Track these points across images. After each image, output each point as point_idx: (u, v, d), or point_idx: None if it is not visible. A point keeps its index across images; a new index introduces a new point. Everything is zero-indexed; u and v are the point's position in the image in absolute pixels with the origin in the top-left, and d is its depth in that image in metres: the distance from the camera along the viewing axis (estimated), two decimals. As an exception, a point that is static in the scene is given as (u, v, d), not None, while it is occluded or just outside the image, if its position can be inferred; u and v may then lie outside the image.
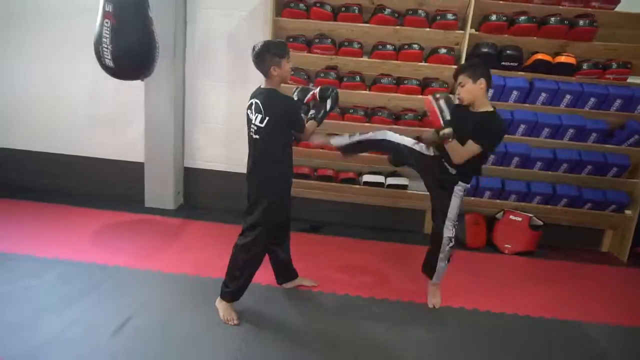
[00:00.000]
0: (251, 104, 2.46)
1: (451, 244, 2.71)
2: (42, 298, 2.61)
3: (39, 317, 2.43)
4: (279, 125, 2.42)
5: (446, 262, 2.76)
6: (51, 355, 2.15)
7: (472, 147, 2.47)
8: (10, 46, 4.20)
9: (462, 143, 2.49)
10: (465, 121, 2.51)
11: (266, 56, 2.36)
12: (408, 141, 2.79)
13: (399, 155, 2.91)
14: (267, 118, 2.38)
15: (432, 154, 2.73)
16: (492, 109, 2.54)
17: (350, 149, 2.97)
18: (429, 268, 2.84)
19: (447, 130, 2.46)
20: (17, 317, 2.42)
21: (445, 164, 2.63)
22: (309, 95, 2.68)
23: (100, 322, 2.44)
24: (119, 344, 2.28)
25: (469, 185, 2.67)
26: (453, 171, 2.61)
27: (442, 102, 2.50)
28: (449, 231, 2.68)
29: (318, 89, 2.65)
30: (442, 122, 2.47)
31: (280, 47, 2.40)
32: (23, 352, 2.16)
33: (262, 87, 2.48)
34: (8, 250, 3.12)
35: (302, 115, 2.62)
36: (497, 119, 2.51)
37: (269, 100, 2.40)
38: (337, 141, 2.91)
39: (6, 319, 2.39)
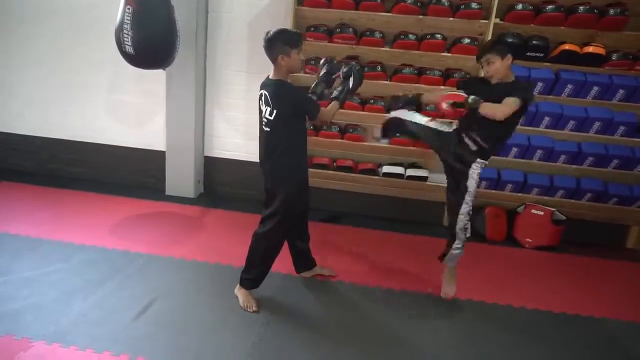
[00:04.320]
0: (261, 95, 2.44)
1: (467, 233, 2.69)
2: (69, 282, 2.69)
3: (66, 300, 2.51)
4: (288, 117, 2.39)
5: (461, 248, 2.73)
6: (76, 337, 2.22)
7: (510, 101, 2.42)
8: (34, 37, 4.28)
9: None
10: (494, 92, 2.54)
11: (276, 44, 2.33)
12: (421, 119, 2.79)
13: (410, 132, 2.92)
14: (275, 111, 2.37)
15: (450, 129, 2.72)
16: (514, 78, 2.60)
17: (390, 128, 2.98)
18: (443, 254, 2.83)
19: (472, 96, 2.46)
20: (45, 299, 2.50)
21: (466, 139, 2.62)
22: (338, 72, 2.62)
23: (123, 306, 2.51)
24: (141, 328, 2.33)
25: (487, 162, 2.63)
26: (474, 147, 2.60)
27: (451, 91, 2.56)
28: (464, 217, 2.65)
29: (342, 69, 2.60)
30: (463, 94, 2.50)
31: (292, 37, 2.36)
32: (50, 333, 2.23)
33: (270, 77, 2.45)
34: (36, 235, 3.21)
35: (325, 92, 2.59)
36: (523, 81, 2.63)
37: (276, 92, 2.38)
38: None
39: (35, 301, 2.47)
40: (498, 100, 2.46)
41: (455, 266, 2.84)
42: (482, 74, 2.67)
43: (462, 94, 2.51)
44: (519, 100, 2.42)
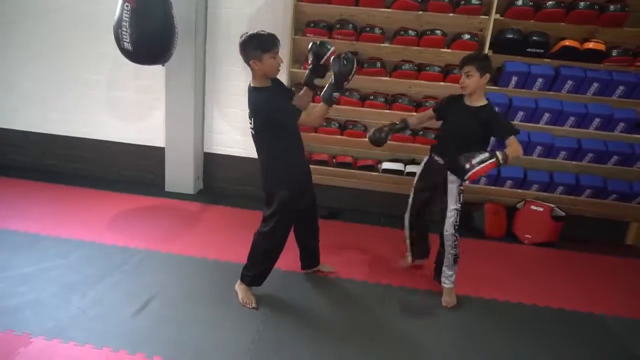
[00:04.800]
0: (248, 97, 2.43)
1: (455, 246, 2.73)
2: (68, 277, 2.69)
3: (65, 296, 2.51)
4: (265, 125, 2.37)
5: (453, 264, 2.75)
6: (75, 332, 2.22)
7: (514, 140, 2.51)
8: (33, 32, 4.26)
9: (470, 136, 2.60)
10: (466, 115, 2.63)
11: (247, 48, 2.26)
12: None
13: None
14: (253, 118, 2.37)
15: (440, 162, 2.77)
16: (486, 102, 2.66)
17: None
18: (438, 273, 2.88)
19: (501, 155, 2.40)
20: (44, 295, 2.50)
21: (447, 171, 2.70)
22: (329, 52, 2.37)
23: (122, 301, 2.51)
24: (140, 324, 2.34)
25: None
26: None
27: (473, 161, 2.43)
28: (451, 228, 2.71)
29: (331, 59, 2.37)
30: (492, 160, 2.40)
31: (264, 41, 2.26)
32: (50, 329, 2.23)
33: (250, 84, 2.40)
34: (35, 231, 3.20)
35: (316, 82, 2.44)
36: (495, 111, 2.67)
37: (252, 102, 2.37)
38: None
39: (34, 297, 2.47)
40: (479, 126, 2.57)
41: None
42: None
43: (491, 160, 2.40)
44: (515, 136, 2.53)
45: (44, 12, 4.19)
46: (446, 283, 2.78)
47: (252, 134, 2.45)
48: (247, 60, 2.31)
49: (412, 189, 2.99)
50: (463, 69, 2.60)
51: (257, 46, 2.26)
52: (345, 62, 2.30)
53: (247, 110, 2.44)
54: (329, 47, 2.39)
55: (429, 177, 2.85)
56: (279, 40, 2.33)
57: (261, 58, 2.28)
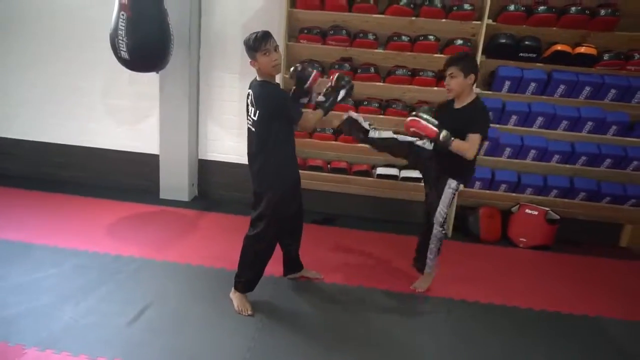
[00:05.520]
0: (248, 94, 2.45)
1: (440, 240, 2.81)
2: (61, 287, 2.67)
3: (59, 306, 2.48)
4: (270, 118, 2.38)
5: (436, 255, 2.85)
6: (69, 342, 2.20)
7: (474, 138, 2.54)
8: (27, 39, 4.25)
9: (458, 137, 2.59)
10: (452, 118, 2.63)
11: (246, 51, 2.38)
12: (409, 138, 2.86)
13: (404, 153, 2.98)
14: (258, 111, 2.37)
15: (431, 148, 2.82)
16: (474, 97, 2.65)
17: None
18: (420, 262, 2.97)
19: (444, 133, 2.52)
20: (38, 305, 2.48)
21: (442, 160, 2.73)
22: (310, 79, 2.51)
23: (117, 311, 2.49)
24: (135, 333, 2.32)
25: (461, 186, 2.76)
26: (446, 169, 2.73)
27: (423, 115, 2.59)
28: (439, 225, 2.76)
29: (336, 76, 2.56)
30: (435, 129, 2.53)
31: (252, 41, 2.34)
32: (43, 339, 2.21)
33: (256, 78, 2.46)
34: (28, 240, 3.18)
35: (303, 101, 2.56)
36: (480, 105, 2.65)
37: (260, 93, 2.38)
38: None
39: (27, 307, 2.45)
40: (463, 127, 2.56)
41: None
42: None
43: (434, 128, 2.53)
44: (480, 136, 2.55)
45: (38, 19, 4.19)
46: (427, 271, 2.91)
47: (250, 129, 2.45)
48: (250, 61, 2.41)
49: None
50: (447, 70, 2.62)
51: (249, 47, 2.36)
52: (350, 91, 2.57)
53: (243, 115, 2.46)
54: (311, 70, 2.54)
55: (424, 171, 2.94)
56: (270, 37, 2.37)
57: (256, 58, 2.36)
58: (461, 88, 2.60)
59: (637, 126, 3.64)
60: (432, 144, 2.77)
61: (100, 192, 4.23)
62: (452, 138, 2.51)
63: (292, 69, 2.58)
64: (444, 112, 2.76)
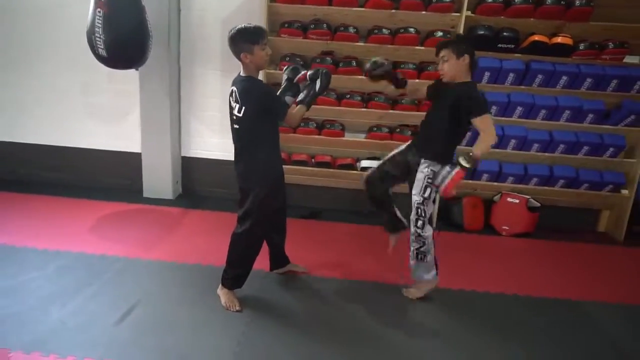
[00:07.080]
0: (231, 91, 2.42)
1: (420, 242, 2.63)
2: (46, 289, 2.63)
3: (44, 308, 2.45)
4: (256, 114, 2.36)
5: (417, 261, 2.68)
6: (56, 345, 2.17)
7: (486, 119, 2.39)
8: (5, 39, 4.15)
9: (444, 116, 2.50)
10: (446, 94, 2.54)
11: (238, 42, 2.31)
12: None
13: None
14: (244, 107, 2.35)
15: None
16: (469, 79, 2.54)
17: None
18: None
19: (463, 158, 2.36)
20: (23, 308, 2.44)
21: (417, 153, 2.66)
22: (299, 75, 2.53)
23: (103, 311, 2.46)
24: (123, 332, 2.30)
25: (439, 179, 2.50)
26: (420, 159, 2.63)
27: (438, 180, 2.48)
28: (413, 223, 2.63)
29: (309, 71, 2.54)
30: (464, 168, 2.37)
31: (252, 33, 2.31)
32: (28, 342, 2.18)
33: (240, 74, 2.43)
34: (10, 243, 3.12)
35: (290, 97, 2.51)
36: (475, 88, 2.54)
37: (245, 89, 2.36)
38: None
39: (12, 310, 2.41)
40: (445, 103, 2.48)
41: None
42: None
43: (457, 169, 2.38)
44: (489, 115, 2.42)
45: (12, 19, 4.08)
46: (414, 278, 2.78)
47: (234, 127, 2.44)
48: (237, 53, 2.34)
49: (388, 158, 2.88)
50: (439, 55, 2.53)
51: (247, 39, 2.31)
52: (325, 78, 2.43)
53: (225, 112, 2.44)
54: (301, 70, 2.55)
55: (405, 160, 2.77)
56: (266, 31, 2.37)
57: (252, 50, 2.32)
58: (454, 70, 2.48)
59: (612, 114, 3.74)
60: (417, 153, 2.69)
61: (82, 193, 4.17)
62: (471, 153, 2.35)
63: (287, 67, 2.59)
64: (439, 87, 2.64)
